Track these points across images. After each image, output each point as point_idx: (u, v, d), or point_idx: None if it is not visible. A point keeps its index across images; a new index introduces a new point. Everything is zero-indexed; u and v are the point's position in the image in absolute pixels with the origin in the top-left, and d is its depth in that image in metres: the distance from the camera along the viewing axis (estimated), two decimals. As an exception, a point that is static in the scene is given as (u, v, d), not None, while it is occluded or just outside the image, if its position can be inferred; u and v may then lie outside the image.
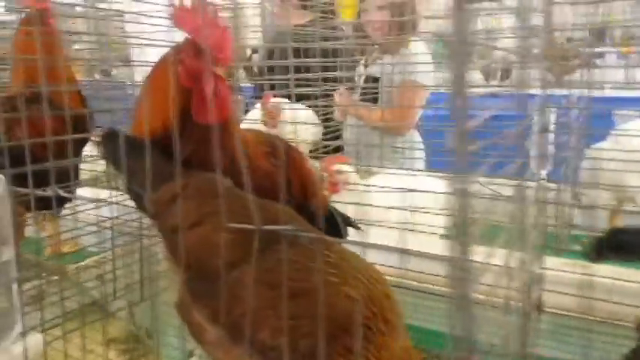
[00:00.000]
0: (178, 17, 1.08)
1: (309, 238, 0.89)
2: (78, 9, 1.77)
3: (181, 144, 1.08)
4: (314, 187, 1.37)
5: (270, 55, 3.14)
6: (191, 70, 1.09)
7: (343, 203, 1.65)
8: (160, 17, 1.46)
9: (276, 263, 0.90)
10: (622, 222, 2.00)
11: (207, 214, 1.00)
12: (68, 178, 1.53)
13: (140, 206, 1.11)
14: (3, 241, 1.01)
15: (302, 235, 0.86)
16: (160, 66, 1.14)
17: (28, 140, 1.29)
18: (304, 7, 2.89)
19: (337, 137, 2.78)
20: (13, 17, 2.03)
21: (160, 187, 1.06)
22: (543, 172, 2.63)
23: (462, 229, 0.64)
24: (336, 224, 1.39)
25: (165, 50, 1.18)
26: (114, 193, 1.45)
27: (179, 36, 1.40)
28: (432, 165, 2.86)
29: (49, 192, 1.15)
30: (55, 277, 1.62)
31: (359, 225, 1.53)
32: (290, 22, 2.77)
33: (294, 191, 1.33)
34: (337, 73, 2.24)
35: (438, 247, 1.34)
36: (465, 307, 0.64)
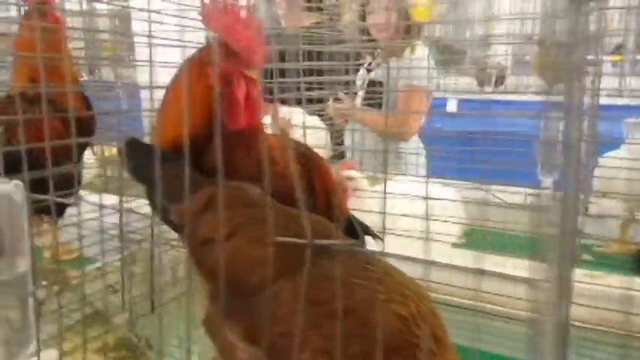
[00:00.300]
0: (209, 16, 1.02)
1: (356, 251, 0.84)
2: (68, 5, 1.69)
3: (209, 151, 1.03)
4: (338, 196, 1.32)
5: (281, 57, 3.07)
6: (222, 72, 1.03)
7: (363, 211, 1.59)
8: (171, 15, 1.40)
9: (318, 278, 0.84)
10: (634, 232, 1.98)
11: (241, 224, 0.94)
12: (72, 184, 1.46)
13: (165, 218, 1.04)
14: (19, 252, 0.94)
15: (350, 249, 0.81)
16: (186, 69, 1.08)
17: (26, 145, 1.21)
18: (309, 9, 2.84)
19: (339, 143, 2.73)
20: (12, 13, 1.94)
21: (182, 197, 1.00)
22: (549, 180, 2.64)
23: (543, 248, 0.60)
24: (355, 233, 1.35)
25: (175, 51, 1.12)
26: (118, 199, 1.38)
27: (192, 36, 1.34)
28: (434, 171, 2.83)
29: (63, 201, 1.08)
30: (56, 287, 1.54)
31: (378, 234, 1.48)
32: (298, 24, 2.72)
33: (319, 199, 1.28)
34: (346, 77, 2.19)
35: (455, 255, 1.30)
36: (548, 331, 0.59)
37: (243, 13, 1.01)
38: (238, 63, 1.01)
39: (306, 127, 2.12)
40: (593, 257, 2.04)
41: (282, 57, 2.04)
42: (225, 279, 0.92)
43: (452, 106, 3.73)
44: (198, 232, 0.97)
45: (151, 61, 1.32)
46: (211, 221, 0.96)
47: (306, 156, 1.24)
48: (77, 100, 1.65)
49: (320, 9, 2.95)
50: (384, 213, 1.06)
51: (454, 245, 1.95)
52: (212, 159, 1.04)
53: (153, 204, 1.04)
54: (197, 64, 1.06)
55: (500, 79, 4.41)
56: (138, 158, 1.03)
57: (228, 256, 0.92)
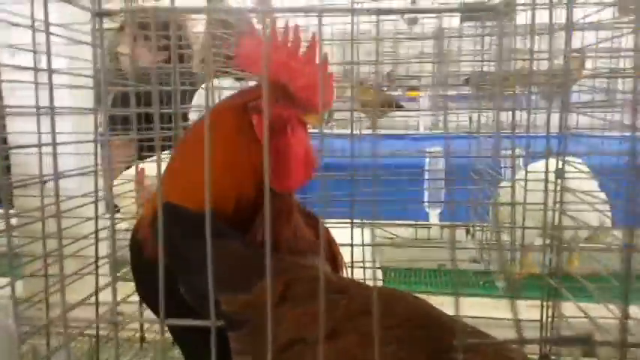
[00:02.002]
0: (248, 58, 0.81)
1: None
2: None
3: (255, 222, 0.80)
4: (340, 258, 1.15)
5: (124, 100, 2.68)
6: (273, 120, 0.81)
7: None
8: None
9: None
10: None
11: (343, 319, 0.73)
12: None
13: (202, 308, 0.77)
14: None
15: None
16: (221, 118, 0.82)
17: None
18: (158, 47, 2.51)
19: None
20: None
21: (242, 283, 0.75)
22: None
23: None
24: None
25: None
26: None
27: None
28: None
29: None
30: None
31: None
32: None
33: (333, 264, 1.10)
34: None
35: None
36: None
37: (299, 47, 0.81)
38: (295, 106, 0.80)
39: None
40: (504, 283, 2.14)
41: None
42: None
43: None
44: (280, 333, 0.72)
45: None
46: (298, 317, 0.72)
47: (311, 215, 1.05)
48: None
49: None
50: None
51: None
52: (257, 232, 0.81)
53: (188, 290, 0.76)
54: (237, 112, 0.82)
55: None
56: (176, 229, 0.75)
57: (336, 362, 0.70)
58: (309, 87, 0.79)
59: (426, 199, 2.63)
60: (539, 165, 2.01)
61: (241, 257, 0.75)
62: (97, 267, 1.23)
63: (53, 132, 0.59)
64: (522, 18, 2.49)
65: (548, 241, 2.19)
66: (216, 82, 2.22)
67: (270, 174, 0.83)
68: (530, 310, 1.61)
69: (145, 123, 1.71)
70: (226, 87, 2.02)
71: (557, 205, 1.29)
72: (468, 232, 2.60)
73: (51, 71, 0.69)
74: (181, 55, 2.21)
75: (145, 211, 0.86)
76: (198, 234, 0.76)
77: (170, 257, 0.76)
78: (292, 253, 0.86)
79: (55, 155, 0.58)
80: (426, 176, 2.47)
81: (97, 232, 1.23)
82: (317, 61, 0.80)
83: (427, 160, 2.44)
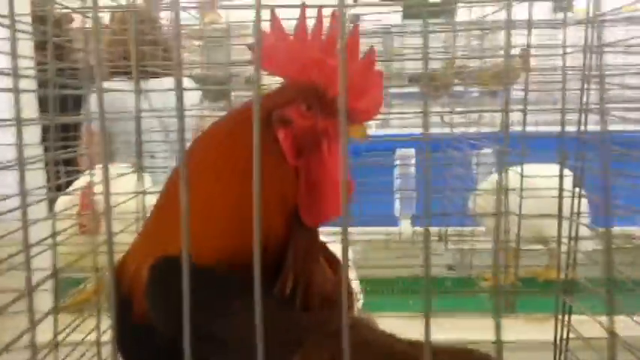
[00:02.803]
0: (272, 55, 0.62)
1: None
2: None
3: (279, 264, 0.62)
4: (353, 294, 0.99)
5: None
6: (304, 133, 0.62)
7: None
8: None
9: None
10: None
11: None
12: None
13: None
14: None
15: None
16: (227, 137, 0.63)
17: None
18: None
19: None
20: None
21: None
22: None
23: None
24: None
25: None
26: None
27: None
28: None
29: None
30: None
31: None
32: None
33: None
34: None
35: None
36: None
37: (336, 40, 0.63)
38: (333, 116, 0.62)
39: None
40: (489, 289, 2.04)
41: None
42: None
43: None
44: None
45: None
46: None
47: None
48: None
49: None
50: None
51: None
52: (287, 279, 0.63)
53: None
54: (249, 126, 0.62)
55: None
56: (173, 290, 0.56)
57: None
58: (350, 92, 0.61)
59: (397, 205, 2.52)
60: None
61: (280, 321, 0.57)
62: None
63: None
64: (462, 15, 2.44)
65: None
66: (154, 83, 1.99)
67: (300, 204, 0.66)
68: (531, 323, 1.51)
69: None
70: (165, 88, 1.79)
71: (574, 216, 1.19)
72: (440, 238, 2.50)
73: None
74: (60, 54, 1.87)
75: (135, 257, 0.65)
76: (222, 298, 0.57)
77: (179, 331, 0.56)
78: (324, 300, 0.68)
79: None
80: (396, 182, 2.34)
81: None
82: (359, 56, 0.63)
83: (397, 164, 2.30)
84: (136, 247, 0.68)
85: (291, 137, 0.62)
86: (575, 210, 1.19)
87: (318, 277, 0.68)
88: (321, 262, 0.70)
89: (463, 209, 2.21)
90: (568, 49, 1.20)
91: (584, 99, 1.12)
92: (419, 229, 2.49)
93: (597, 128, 1.16)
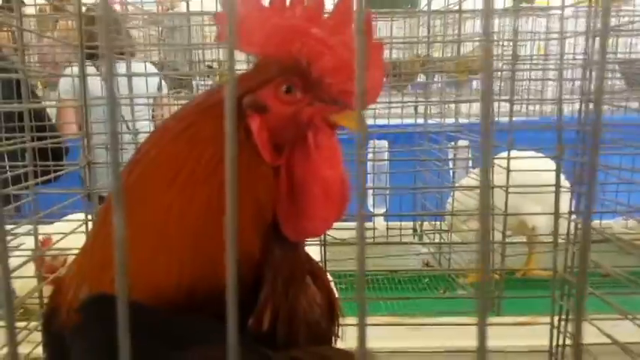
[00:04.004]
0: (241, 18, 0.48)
1: None
2: None
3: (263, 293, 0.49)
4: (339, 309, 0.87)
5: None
6: (285, 125, 0.49)
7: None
8: None
9: None
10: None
11: None
12: None
13: None
14: None
15: None
16: (184, 131, 0.49)
17: None
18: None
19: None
20: None
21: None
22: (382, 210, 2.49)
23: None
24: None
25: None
26: None
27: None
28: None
29: None
30: None
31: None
32: None
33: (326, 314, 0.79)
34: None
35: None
36: None
37: (322, 7, 0.50)
38: (320, 100, 0.49)
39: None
40: (465, 290, 1.95)
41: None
42: None
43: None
44: None
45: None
46: None
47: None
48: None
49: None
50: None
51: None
52: (264, 313, 0.49)
53: None
54: (223, 115, 0.49)
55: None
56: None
57: None
58: (341, 68, 0.48)
59: (370, 197, 2.40)
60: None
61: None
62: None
63: None
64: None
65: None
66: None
67: (281, 213, 0.52)
68: (518, 329, 1.42)
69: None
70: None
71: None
72: (415, 231, 2.40)
73: None
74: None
75: (72, 282, 0.51)
76: (174, 348, 0.44)
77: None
78: (310, 329, 0.55)
79: None
80: (369, 170, 2.22)
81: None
82: (352, 25, 0.49)
83: (369, 152, 2.18)
84: (76, 266, 0.53)
85: (268, 128, 0.49)
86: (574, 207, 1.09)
87: (303, 303, 0.55)
88: (306, 282, 0.57)
89: (441, 205, 2.11)
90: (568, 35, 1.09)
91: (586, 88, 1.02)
92: (393, 224, 2.38)
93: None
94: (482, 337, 0.29)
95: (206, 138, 0.48)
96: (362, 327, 0.28)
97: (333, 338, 0.64)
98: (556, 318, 1.15)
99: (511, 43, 1.56)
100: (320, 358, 0.49)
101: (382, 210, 2.38)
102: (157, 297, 0.45)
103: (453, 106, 2.28)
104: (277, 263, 0.49)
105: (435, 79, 2.43)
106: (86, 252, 0.52)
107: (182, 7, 3.20)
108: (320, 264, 0.75)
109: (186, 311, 0.46)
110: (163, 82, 2.44)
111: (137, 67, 1.90)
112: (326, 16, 0.50)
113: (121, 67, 1.74)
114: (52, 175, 1.15)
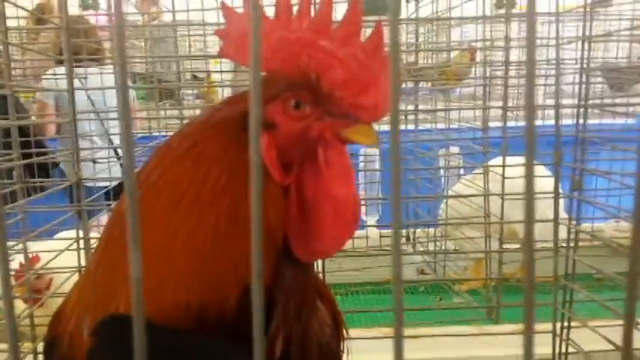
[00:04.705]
0: (239, 31, 0.47)
1: None
2: None
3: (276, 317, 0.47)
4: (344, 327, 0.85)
5: None
6: (295, 142, 0.47)
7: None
8: None
9: None
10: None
11: None
12: None
13: None
14: None
15: None
16: (188, 151, 0.47)
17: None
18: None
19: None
20: None
21: None
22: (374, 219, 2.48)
23: None
24: None
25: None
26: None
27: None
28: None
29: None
30: None
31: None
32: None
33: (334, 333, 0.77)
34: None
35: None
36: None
37: (330, 18, 0.48)
38: (331, 115, 0.47)
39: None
40: (459, 297, 1.94)
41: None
42: None
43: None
44: None
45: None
46: None
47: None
48: None
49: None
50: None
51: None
52: (276, 338, 0.47)
53: None
54: (229, 133, 0.47)
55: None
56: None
57: None
58: (352, 81, 0.46)
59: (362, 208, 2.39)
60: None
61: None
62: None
63: None
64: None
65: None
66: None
67: (291, 234, 0.50)
68: (519, 337, 1.39)
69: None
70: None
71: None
72: (408, 239, 2.39)
73: None
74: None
75: (75, 310, 0.48)
76: None
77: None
78: (320, 348, 0.53)
79: None
80: (360, 179, 2.21)
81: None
82: (361, 37, 0.48)
83: (360, 161, 2.17)
84: (76, 295, 0.50)
85: (276, 146, 0.47)
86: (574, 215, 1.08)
87: (314, 325, 0.53)
88: (316, 304, 0.55)
89: (432, 212, 2.10)
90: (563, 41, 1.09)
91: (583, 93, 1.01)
92: (385, 232, 2.37)
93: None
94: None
95: (211, 158, 0.46)
96: (398, 338, 0.26)
97: (342, 356, 0.62)
98: (558, 325, 1.14)
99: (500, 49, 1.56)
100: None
101: (375, 219, 2.37)
102: (165, 323, 0.43)
103: (442, 112, 2.28)
104: (289, 286, 0.47)
105: (421, 86, 2.43)
106: (88, 280, 0.49)
107: (166, 18, 3.18)
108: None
109: (196, 333, 0.44)
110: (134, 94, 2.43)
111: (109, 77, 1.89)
112: (334, 27, 0.48)
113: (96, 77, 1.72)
114: (44, 194, 1.12)
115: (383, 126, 0.47)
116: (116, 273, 0.45)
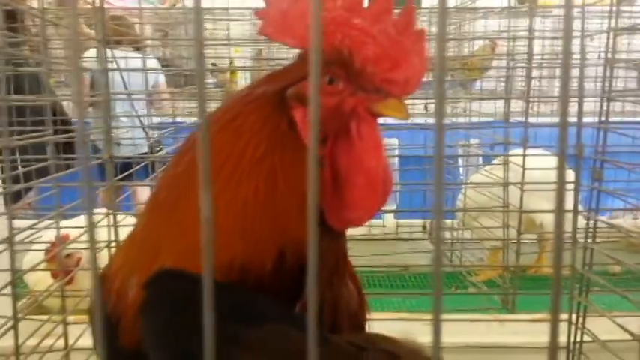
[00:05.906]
0: (278, 10, 0.49)
1: None
2: None
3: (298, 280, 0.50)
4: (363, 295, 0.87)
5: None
6: (329, 116, 0.49)
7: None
8: None
9: None
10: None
11: None
12: None
13: None
14: None
15: None
16: (230, 124, 0.50)
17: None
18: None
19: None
20: None
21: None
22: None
23: None
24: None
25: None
26: None
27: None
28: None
29: None
30: None
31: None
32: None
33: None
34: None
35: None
36: None
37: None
38: (363, 90, 0.49)
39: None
40: (474, 287, 1.95)
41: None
42: None
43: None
44: None
45: None
46: None
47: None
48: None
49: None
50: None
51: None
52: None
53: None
54: (267, 107, 0.49)
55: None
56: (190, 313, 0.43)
57: None
58: (384, 56, 0.49)
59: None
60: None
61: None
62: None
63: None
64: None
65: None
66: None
67: (326, 204, 0.53)
68: (535, 325, 1.41)
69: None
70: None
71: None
72: (424, 228, 2.41)
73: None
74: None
75: (120, 271, 0.51)
76: (235, 317, 0.44)
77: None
78: (349, 316, 0.56)
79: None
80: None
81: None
82: (393, 14, 0.50)
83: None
84: (121, 258, 0.54)
85: (311, 119, 0.49)
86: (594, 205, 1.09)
87: (345, 293, 0.56)
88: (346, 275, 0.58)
89: (452, 202, 2.11)
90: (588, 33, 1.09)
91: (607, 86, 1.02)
92: (402, 221, 2.39)
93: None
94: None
95: (251, 130, 0.49)
96: (437, 322, 0.28)
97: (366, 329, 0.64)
98: (574, 315, 1.15)
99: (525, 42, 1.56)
100: (374, 342, 0.49)
101: (392, 207, 2.39)
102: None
103: (462, 104, 2.28)
104: (322, 252, 0.49)
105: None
106: (133, 243, 0.52)
107: (186, 3, 3.21)
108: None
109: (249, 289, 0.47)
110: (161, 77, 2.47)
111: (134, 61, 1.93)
112: (366, 5, 0.50)
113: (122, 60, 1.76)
114: (75, 170, 1.16)
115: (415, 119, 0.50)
116: (163, 234, 0.49)
